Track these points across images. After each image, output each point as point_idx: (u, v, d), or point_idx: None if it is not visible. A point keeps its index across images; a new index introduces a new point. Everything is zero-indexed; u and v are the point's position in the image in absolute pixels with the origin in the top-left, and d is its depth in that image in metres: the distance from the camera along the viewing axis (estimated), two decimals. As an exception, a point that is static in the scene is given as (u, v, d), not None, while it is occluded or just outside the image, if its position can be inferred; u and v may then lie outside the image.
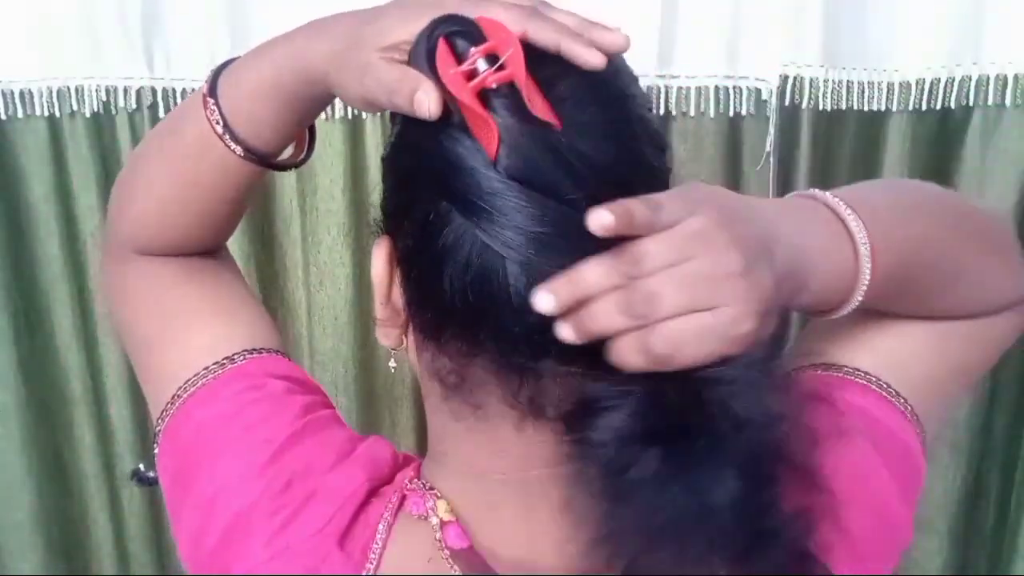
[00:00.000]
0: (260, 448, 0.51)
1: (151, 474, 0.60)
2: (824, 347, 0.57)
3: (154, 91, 0.97)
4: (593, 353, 0.45)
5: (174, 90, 0.97)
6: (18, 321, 1.03)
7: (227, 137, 0.54)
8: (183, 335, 0.58)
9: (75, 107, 0.97)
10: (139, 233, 0.60)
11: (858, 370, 0.55)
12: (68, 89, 0.97)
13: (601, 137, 0.44)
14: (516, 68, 0.42)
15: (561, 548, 0.48)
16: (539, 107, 0.42)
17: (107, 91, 0.97)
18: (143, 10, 0.93)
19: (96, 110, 0.98)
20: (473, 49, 0.42)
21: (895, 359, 0.56)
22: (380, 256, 0.49)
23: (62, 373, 1.08)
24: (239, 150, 0.54)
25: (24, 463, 1.07)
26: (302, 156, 0.61)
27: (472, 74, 0.42)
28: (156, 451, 0.57)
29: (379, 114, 0.98)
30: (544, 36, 0.43)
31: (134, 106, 0.97)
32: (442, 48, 0.42)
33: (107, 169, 1.01)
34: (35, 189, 1.01)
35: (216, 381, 0.55)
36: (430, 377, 0.50)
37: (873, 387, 0.55)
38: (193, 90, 0.95)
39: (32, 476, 1.08)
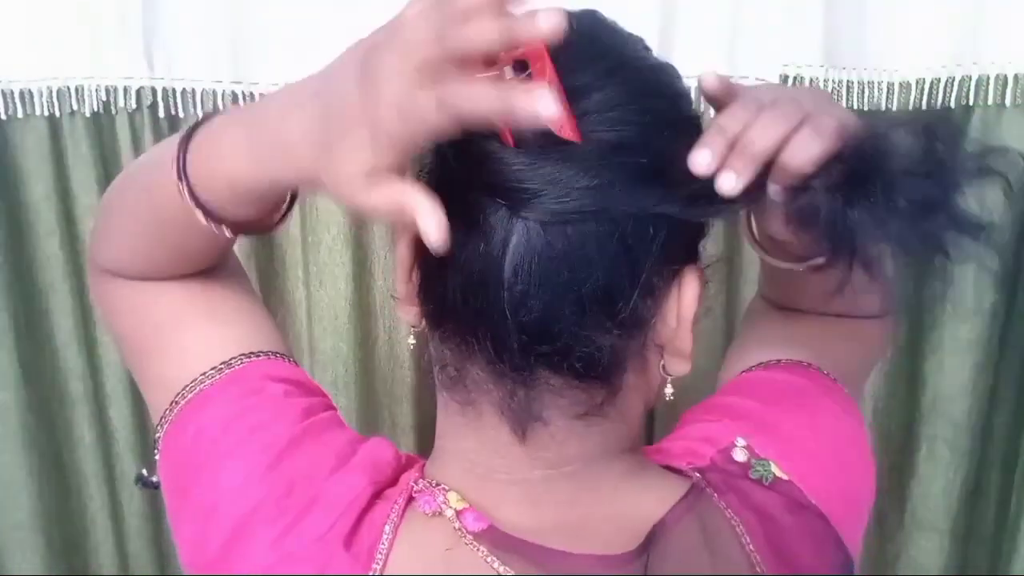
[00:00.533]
0: (260, 454, 0.51)
1: (155, 479, 0.60)
2: (769, 352, 0.64)
3: (154, 91, 0.97)
4: (585, 364, 0.46)
5: (174, 90, 0.97)
6: (18, 321, 1.03)
7: (203, 217, 0.51)
8: (176, 342, 0.58)
9: (75, 107, 0.97)
10: (117, 267, 0.59)
11: (802, 361, 0.62)
12: (68, 89, 0.97)
13: (624, 171, 0.44)
14: (540, 77, 0.42)
15: (574, 543, 0.48)
16: (562, 121, 0.42)
17: (107, 91, 0.97)
18: (143, 10, 0.93)
19: (96, 110, 0.97)
20: (503, 55, 0.42)
21: (829, 357, 0.62)
22: (404, 237, 0.49)
23: (62, 373, 1.07)
24: (214, 227, 0.52)
25: (24, 463, 1.07)
26: (279, 218, 0.58)
27: (498, 79, 0.42)
28: (157, 459, 0.57)
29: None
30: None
31: (134, 106, 0.97)
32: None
33: (107, 169, 1.01)
34: (35, 189, 1.01)
35: (213, 387, 0.55)
36: (435, 362, 0.51)
37: (820, 373, 0.61)
38: (193, 91, 0.96)
39: (32, 476, 1.08)
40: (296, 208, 1.00)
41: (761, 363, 0.62)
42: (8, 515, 1.09)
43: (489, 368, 0.47)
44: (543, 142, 0.43)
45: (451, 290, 0.46)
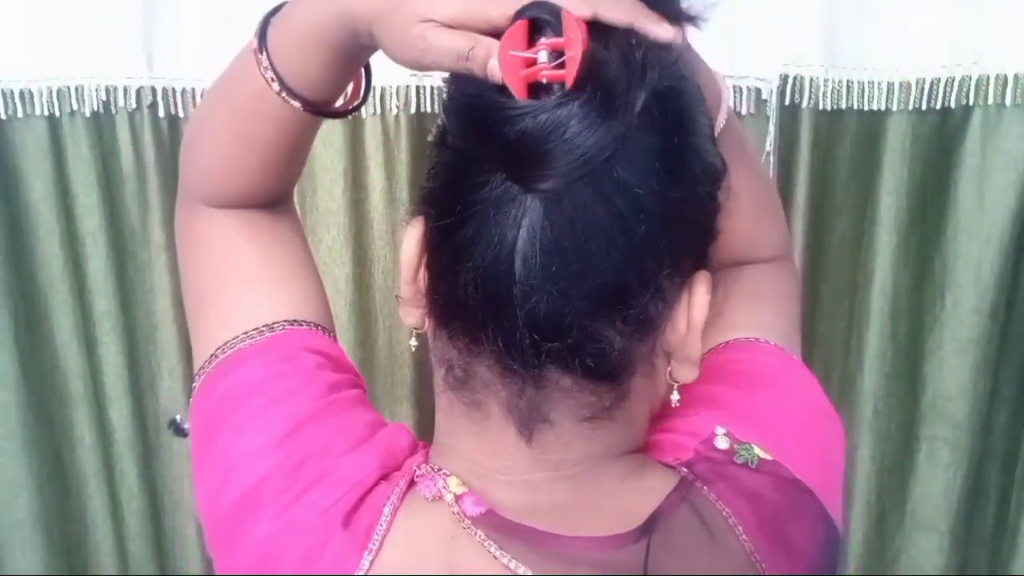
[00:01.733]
0: (281, 422, 0.52)
1: (187, 426, 0.61)
2: (721, 333, 0.63)
3: (154, 90, 0.97)
4: (593, 364, 0.46)
5: (174, 89, 0.97)
6: (18, 320, 1.03)
7: (284, 94, 0.54)
8: (230, 296, 0.59)
9: (75, 106, 0.97)
10: (204, 184, 0.61)
11: (756, 339, 0.62)
12: (68, 88, 0.97)
13: (646, 169, 0.44)
14: (571, 69, 0.41)
15: (570, 529, 0.48)
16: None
17: (107, 90, 0.97)
18: (143, 9, 0.93)
19: (96, 109, 0.98)
20: (543, 40, 0.42)
21: (770, 328, 0.64)
22: (412, 236, 0.49)
23: (62, 373, 1.07)
24: (297, 104, 0.55)
25: (24, 462, 1.07)
26: (359, 100, 0.61)
27: (532, 62, 0.42)
28: (191, 402, 0.58)
29: (378, 112, 0.98)
30: (614, 15, 0.44)
31: (134, 105, 0.97)
32: (519, 27, 0.43)
33: (107, 168, 1.01)
34: (35, 188, 1.01)
35: (252, 348, 0.56)
36: (439, 363, 0.50)
37: (770, 345, 0.62)
38: (193, 90, 0.96)
39: (32, 475, 1.08)
40: (296, 208, 1.01)
41: (726, 343, 0.63)
42: (8, 514, 1.09)
43: (498, 367, 0.46)
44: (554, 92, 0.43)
45: (461, 285, 0.45)
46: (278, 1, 0.55)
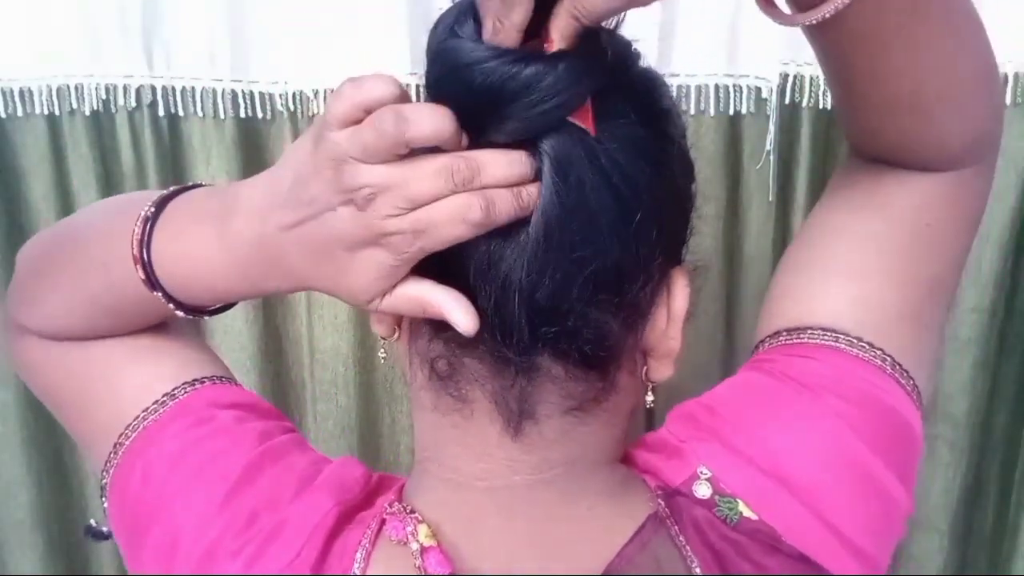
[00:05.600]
0: (216, 486, 0.49)
1: (105, 529, 0.57)
2: (787, 307, 0.54)
3: (154, 89, 0.97)
4: (589, 351, 0.46)
5: (174, 88, 0.97)
6: (18, 319, 1.03)
7: (159, 294, 0.50)
8: (109, 387, 0.55)
9: (75, 105, 0.97)
10: (43, 326, 0.56)
11: (825, 330, 0.52)
12: (68, 87, 0.97)
13: (637, 154, 0.44)
14: (551, 44, 0.42)
15: (544, 564, 0.47)
16: (579, 113, 0.43)
17: (107, 89, 0.97)
18: (143, 8, 0.93)
19: (96, 108, 0.97)
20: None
21: (864, 306, 0.51)
22: None
23: (62, 371, 1.07)
24: (171, 306, 0.51)
25: (24, 461, 1.07)
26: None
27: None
28: (105, 507, 0.54)
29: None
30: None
31: (134, 104, 0.97)
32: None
33: (107, 167, 1.01)
34: (35, 188, 1.01)
35: (157, 422, 0.52)
36: (420, 363, 0.49)
37: (844, 347, 0.51)
38: (193, 89, 0.96)
39: (32, 474, 1.08)
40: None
41: (778, 332, 0.54)
42: (8, 513, 1.09)
43: (490, 358, 0.46)
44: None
45: (457, 277, 0.44)
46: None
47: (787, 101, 0.96)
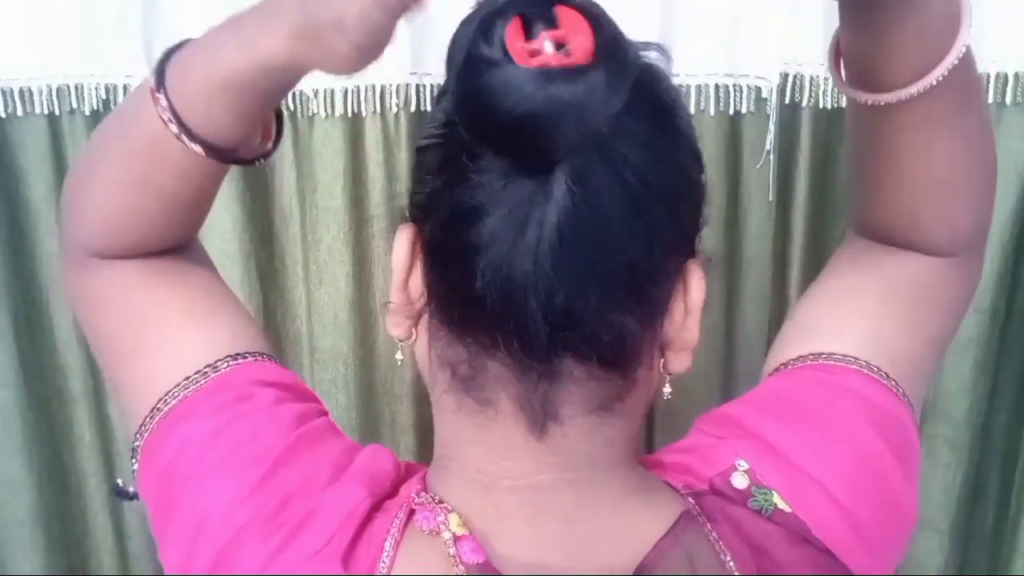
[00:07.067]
0: (250, 469, 0.49)
1: (132, 489, 0.57)
2: (809, 339, 0.58)
3: (154, 89, 0.97)
4: (610, 354, 0.46)
5: (174, 88, 0.97)
6: (17, 319, 1.03)
7: (184, 137, 0.49)
8: (157, 343, 0.54)
9: (75, 105, 0.97)
10: (95, 238, 0.55)
11: (847, 355, 0.55)
12: (67, 87, 0.96)
13: (649, 151, 0.44)
14: (580, 54, 0.41)
15: (571, 562, 0.47)
16: None
17: (107, 89, 0.96)
18: (142, 8, 0.93)
19: (96, 108, 0.97)
20: (544, 32, 0.41)
21: (878, 342, 0.56)
22: (403, 242, 0.48)
23: (62, 371, 1.07)
24: (198, 149, 0.49)
25: (24, 461, 1.07)
26: (269, 146, 0.56)
27: (536, 52, 0.41)
28: (135, 468, 0.54)
29: (378, 111, 0.98)
30: None
31: (134, 104, 0.97)
32: (515, 23, 0.42)
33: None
34: (35, 187, 1.00)
35: (198, 393, 0.52)
36: (440, 366, 0.49)
37: (865, 371, 0.55)
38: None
39: (32, 474, 1.07)
40: (296, 206, 1.01)
41: (801, 356, 0.57)
42: (8, 513, 1.09)
43: (511, 360, 0.45)
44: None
45: (474, 283, 0.44)
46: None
47: (787, 101, 0.96)
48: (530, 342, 0.44)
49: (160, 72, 0.49)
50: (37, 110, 0.97)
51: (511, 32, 0.42)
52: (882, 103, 0.51)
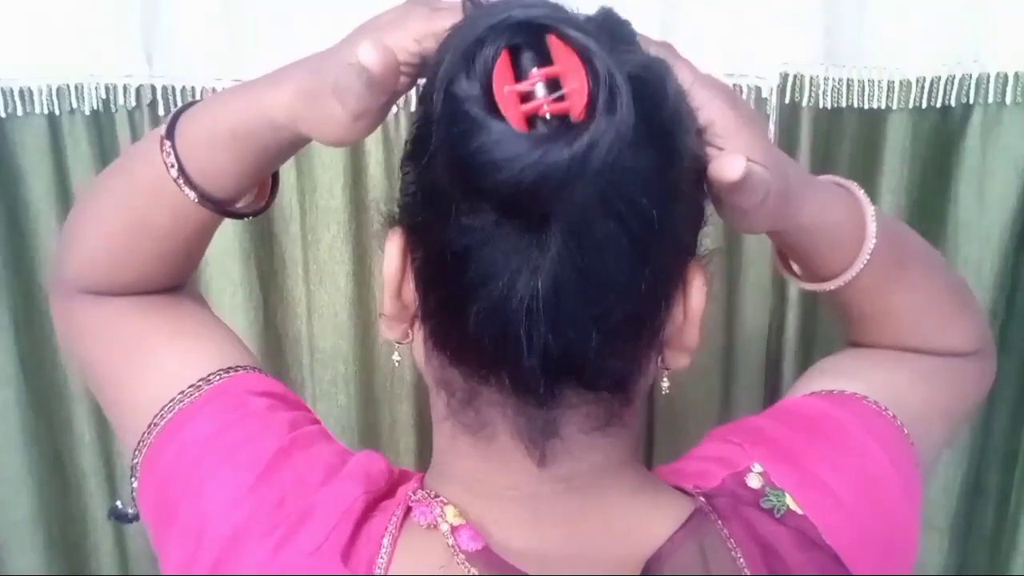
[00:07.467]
0: (246, 469, 0.49)
1: (130, 510, 0.58)
2: (824, 381, 0.60)
3: (154, 89, 0.97)
4: (611, 386, 0.45)
5: (174, 88, 0.97)
6: (17, 318, 1.03)
7: (181, 181, 0.52)
8: (149, 363, 0.56)
9: (75, 105, 0.97)
10: (87, 274, 0.58)
11: (856, 393, 0.58)
12: (68, 87, 0.96)
13: (648, 177, 0.41)
14: (576, 102, 0.37)
15: (578, 561, 0.47)
16: None
17: (107, 89, 0.96)
18: (143, 8, 0.93)
19: (96, 108, 0.97)
20: (535, 70, 0.38)
21: (891, 392, 0.59)
22: (393, 249, 0.47)
23: (61, 371, 1.07)
24: (192, 195, 0.53)
25: (24, 461, 1.07)
26: (262, 205, 0.59)
27: (528, 95, 0.38)
28: (135, 486, 0.55)
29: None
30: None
31: (134, 104, 0.97)
32: (503, 60, 0.38)
33: (107, 167, 1.01)
34: (34, 187, 1.00)
35: (193, 405, 0.53)
36: (437, 386, 0.48)
37: (873, 406, 0.57)
38: (193, 89, 0.96)
39: (32, 474, 1.07)
40: (296, 206, 1.01)
41: (812, 392, 0.59)
42: (8, 512, 1.09)
43: (507, 392, 0.45)
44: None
45: (466, 323, 0.42)
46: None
47: (787, 100, 0.96)
48: (527, 384, 0.43)
49: (172, 121, 0.53)
50: (37, 110, 0.97)
51: (499, 74, 0.38)
52: (828, 288, 0.58)
